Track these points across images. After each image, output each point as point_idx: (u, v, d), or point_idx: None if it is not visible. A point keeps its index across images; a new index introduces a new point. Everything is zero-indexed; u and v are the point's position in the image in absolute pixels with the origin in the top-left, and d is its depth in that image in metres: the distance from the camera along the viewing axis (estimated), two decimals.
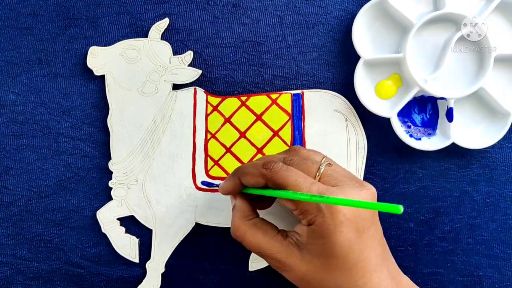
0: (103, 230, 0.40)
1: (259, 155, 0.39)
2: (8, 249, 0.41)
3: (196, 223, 0.40)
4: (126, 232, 0.40)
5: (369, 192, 0.30)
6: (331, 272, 0.29)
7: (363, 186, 0.30)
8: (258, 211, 0.35)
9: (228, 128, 0.40)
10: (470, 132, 0.40)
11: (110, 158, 0.40)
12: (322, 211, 0.28)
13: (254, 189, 0.32)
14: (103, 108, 0.41)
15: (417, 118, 0.40)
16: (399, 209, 0.22)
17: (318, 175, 0.30)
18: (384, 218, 0.40)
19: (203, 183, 0.40)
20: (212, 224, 0.40)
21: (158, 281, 0.40)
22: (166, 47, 0.40)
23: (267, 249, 0.31)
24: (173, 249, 0.40)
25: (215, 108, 0.40)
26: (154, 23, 0.40)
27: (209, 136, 0.40)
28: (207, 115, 0.40)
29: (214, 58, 0.41)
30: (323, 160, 0.32)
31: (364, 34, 0.39)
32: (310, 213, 0.29)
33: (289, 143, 0.39)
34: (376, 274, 0.29)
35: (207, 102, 0.40)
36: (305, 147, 0.39)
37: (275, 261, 0.31)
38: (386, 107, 0.39)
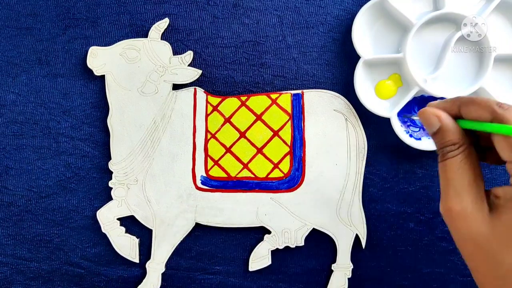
0: (103, 230, 0.40)
1: (259, 155, 0.39)
2: (8, 249, 0.41)
3: (196, 223, 0.40)
4: (126, 232, 0.40)
5: None
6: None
7: None
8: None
9: (228, 128, 0.40)
10: None
11: (110, 158, 0.40)
12: None
13: (469, 123, 0.27)
14: (103, 108, 0.41)
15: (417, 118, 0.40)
16: None
17: None
18: (384, 218, 0.40)
19: (403, 115, 0.37)
20: (212, 224, 0.40)
21: (158, 281, 0.40)
22: (166, 47, 0.40)
23: (459, 188, 0.26)
24: (173, 249, 0.40)
25: (215, 108, 0.40)
26: (154, 23, 0.40)
27: (209, 136, 0.40)
28: (207, 115, 0.40)
29: (214, 58, 0.41)
30: None
31: (364, 34, 0.39)
32: None
33: (289, 143, 0.39)
34: None
35: (207, 102, 0.40)
36: (305, 147, 0.39)
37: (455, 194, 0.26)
38: (386, 107, 0.39)
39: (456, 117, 0.27)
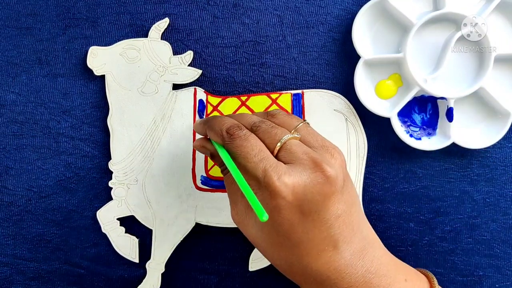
0: (103, 230, 0.40)
1: None
2: (8, 249, 0.41)
3: (196, 223, 0.40)
4: (126, 232, 0.40)
5: (320, 176, 0.27)
6: (275, 244, 0.29)
7: (318, 168, 0.27)
8: None
9: None
10: (470, 132, 0.40)
11: (110, 158, 0.40)
12: (262, 189, 0.27)
13: (217, 145, 0.31)
14: (103, 108, 0.41)
15: (417, 118, 0.40)
16: (263, 218, 0.25)
17: (278, 148, 0.29)
18: (384, 218, 0.40)
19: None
20: (212, 224, 0.40)
21: (158, 281, 0.40)
22: (166, 47, 0.40)
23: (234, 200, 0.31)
24: (173, 249, 0.40)
25: (215, 108, 0.40)
26: (154, 23, 0.40)
27: None
28: (207, 115, 0.40)
29: (214, 58, 0.41)
30: (293, 130, 0.30)
31: (364, 34, 0.39)
32: (253, 188, 0.28)
33: None
34: (324, 254, 0.28)
35: (207, 102, 0.40)
36: None
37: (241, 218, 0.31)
38: (386, 107, 0.39)
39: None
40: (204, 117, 0.40)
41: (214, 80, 0.41)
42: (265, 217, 0.24)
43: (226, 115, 0.32)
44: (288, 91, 0.40)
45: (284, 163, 0.28)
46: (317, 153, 0.29)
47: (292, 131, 0.30)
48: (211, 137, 0.31)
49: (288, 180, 0.27)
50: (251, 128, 0.30)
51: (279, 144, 0.29)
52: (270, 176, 0.27)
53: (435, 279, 0.31)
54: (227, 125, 0.29)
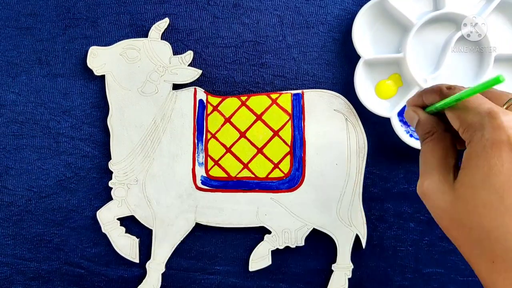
0: (103, 230, 0.40)
1: (260, 155, 0.39)
2: (8, 249, 0.41)
3: (196, 223, 0.40)
4: (126, 232, 0.40)
5: None
6: (478, 209, 0.23)
7: None
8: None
9: (228, 128, 0.40)
10: None
11: (110, 158, 0.40)
12: (484, 125, 0.24)
13: (432, 107, 0.30)
14: (103, 108, 0.41)
15: None
16: (500, 78, 0.22)
17: (507, 105, 0.26)
18: (384, 218, 0.40)
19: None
20: (212, 224, 0.40)
21: (158, 281, 0.40)
22: (166, 47, 0.40)
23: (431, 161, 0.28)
24: (173, 249, 0.40)
25: (215, 108, 0.40)
26: (154, 23, 0.40)
27: (209, 136, 0.40)
28: (207, 115, 0.40)
29: (214, 58, 0.41)
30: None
31: (364, 34, 0.39)
32: (472, 127, 0.25)
33: (289, 143, 0.39)
34: None
35: (207, 102, 0.40)
36: (305, 147, 0.39)
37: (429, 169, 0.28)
38: (386, 107, 0.39)
39: (427, 106, 0.30)
40: (205, 117, 0.40)
41: (214, 80, 0.41)
42: (501, 78, 0.21)
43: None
44: (288, 91, 0.40)
45: None
46: None
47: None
48: (429, 97, 0.29)
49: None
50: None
51: (509, 101, 0.26)
52: (496, 112, 0.24)
53: None
54: (445, 84, 0.29)
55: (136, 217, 0.40)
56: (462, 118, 0.26)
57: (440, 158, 0.28)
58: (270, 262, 0.40)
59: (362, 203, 0.40)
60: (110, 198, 0.40)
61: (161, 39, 0.40)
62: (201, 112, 0.40)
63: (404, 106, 0.39)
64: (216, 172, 0.40)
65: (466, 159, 0.25)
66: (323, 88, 0.40)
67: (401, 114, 0.39)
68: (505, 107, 0.26)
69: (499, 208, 0.23)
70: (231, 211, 0.40)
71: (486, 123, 0.24)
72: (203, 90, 0.40)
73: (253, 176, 0.40)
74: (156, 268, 0.40)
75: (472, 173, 0.24)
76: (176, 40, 0.40)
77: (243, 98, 0.40)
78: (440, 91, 0.28)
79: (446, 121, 0.29)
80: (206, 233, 0.41)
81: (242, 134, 0.40)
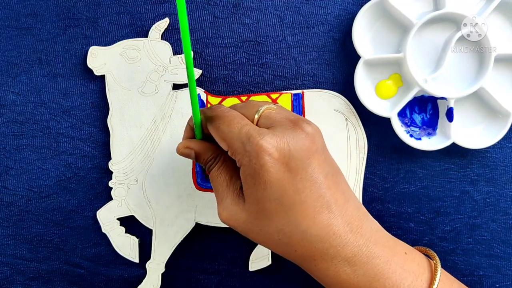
0: (103, 230, 0.40)
1: None
2: (8, 249, 0.41)
3: (196, 223, 0.40)
4: (126, 232, 0.40)
5: (301, 132, 0.28)
6: (268, 216, 0.28)
7: (297, 126, 0.28)
8: None
9: None
10: (470, 132, 0.40)
11: (110, 158, 0.40)
12: (248, 151, 0.27)
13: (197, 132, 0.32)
14: (103, 108, 0.41)
15: (417, 118, 0.40)
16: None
17: (257, 118, 0.30)
18: (384, 218, 0.40)
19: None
20: (212, 224, 0.40)
21: (158, 281, 0.40)
22: (166, 47, 0.40)
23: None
24: (173, 249, 0.40)
25: None
26: (154, 23, 0.40)
27: None
28: None
29: (214, 58, 0.41)
30: (268, 105, 0.31)
31: (364, 34, 0.39)
32: (238, 153, 0.28)
33: None
34: (321, 216, 0.28)
35: (207, 102, 0.40)
36: None
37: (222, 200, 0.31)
38: (386, 107, 0.39)
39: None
40: None
41: (214, 80, 0.41)
42: None
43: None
44: (288, 91, 0.40)
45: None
46: (294, 116, 0.30)
47: (268, 105, 0.31)
48: (190, 121, 0.32)
49: (271, 139, 0.27)
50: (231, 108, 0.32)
51: (258, 112, 0.30)
52: (254, 136, 0.27)
53: (436, 257, 0.31)
54: (209, 106, 0.32)
55: (136, 217, 0.40)
56: (228, 142, 0.29)
57: (227, 183, 0.30)
58: (270, 262, 0.40)
59: (362, 203, 0.40)
60: (110, 198, 0.40)
61: (161, 39, 0.40)
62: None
63: (404, 106, 0.39)
64: None
65: (244, 179, 0.28)
66: (323, 88, 0.40)
67: (401, 114, 0.39)
68: (256, 117, 0.30)
69: (281, 210, 0.28)
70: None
71: (249, 149, 0.27)
72: (203, 90, 0.40)
73: None
74: (156, 268, 0.40)
75: (253, 190, 0.28)
76: (176, 40, 0.40)
77: (243, 98, 0.40)
78: (203, 112, 0.31)
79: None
80: (206, 233, 0.41)
81: None
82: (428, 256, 0.32)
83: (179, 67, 0.40)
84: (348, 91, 0.40)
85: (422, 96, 0.39)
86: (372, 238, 0.29)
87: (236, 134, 0.28)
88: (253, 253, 0.40)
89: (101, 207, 0.40)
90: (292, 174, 0.27)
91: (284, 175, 0.27)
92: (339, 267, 0.28)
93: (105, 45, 0.40)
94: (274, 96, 0.40)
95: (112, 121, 0.40)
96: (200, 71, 0.40)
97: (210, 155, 0.32)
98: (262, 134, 0.27)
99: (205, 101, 0.40)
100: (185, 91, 0.40)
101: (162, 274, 0.40)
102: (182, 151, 0.32)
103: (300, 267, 0.30)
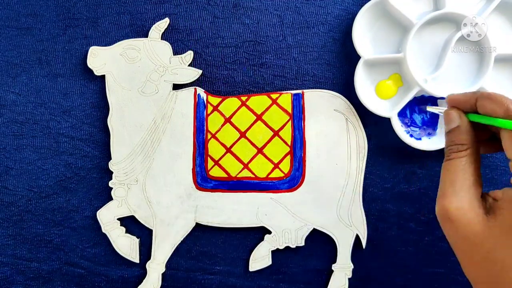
0: (103, 230, 0.40)
1: (260, 155, 0.39)
2: (8, 249, 0.41)
3: (196, 223, 0.40)
4: (126, 232, 0.40)
5: None
6: (510, 245, 0.24)
7: None
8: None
9: (228, 128, 0.40)
10: None
11: (110, 158, 0.40)
12: None
13: (481, 117, 0.28)
14: (103, 108, 0.41)
15: (417, 118, 0.40)
16: None
17: None
18: (384, 218, 0.40)
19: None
20: (212, 224, 0.40)
21: (158, 281, 0.40)
22: (166, 47, 0.40)
23: (457, 183, 0.27)
24: (174, 249, 0.40)
25: (215, 108, 0.40)
26: (154, 23, 0.40)
27: (209, 136, 0.40)
28: (207, 115, 0.40)
29: (214, 58, 0.41)
30: None
31: (364, 34, 0.39)
32: None
33: (289, 143, 0.39)
34: None
35: (207, 102, 0.40)
36: (305, 147, 0.39)
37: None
38: (386, 107, 0.39)
39: (470, 112, 0.28)
40: (205, 117, 0.40)
41: (214, 80, 0.41)
42: None
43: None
44: (288, 91, 0.40)
45: None
46: None
47: None
48: (485, 106, 0.27)
49: None
50: None
51: None
52: None
53: None
54: (509, 98, 0.26)
55: (136, 217, 0.40)
56: None
57: (471, 181, 0.27)
58: (270, 262, 0.40)
59: (362, 203, 0.40)
60: (110, 198, 0.40)
61: (161, 39, 0.40)
62: (201, 112, 0.40)
63: (404, 107, 0.39)
64: (216, 172, 0.40)
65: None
66: (323, 88, 0.40)
67: (401, 114, 0.39)
68: None
69: None
70: (231, 211, 0.40)
71: None
72: (203, 90, 0.40)
73: (253, 176, 0.40)
74: (156, 268, 0.40)
75: None
76: (176, 40, 0.40)
77: (243, 98, 0.40)
78: (506, 106, 0.26)
79: (477, 131, 0.28)
80: (206, 233, 0.41)
81: (242, 134, 0.40)
82: None
83: (179, 67, 0.40)
84: (348, 91, 0.40)
85: (422, 96, 0.39)
86: None
87: None
88: (253, 253, 0.40)
89: (101, 207, 0.40)
90: None
91: None
92: None
93: (105, 45, 0.40)
94: (274, 96, 0.40)
95: (112, 121, 0.40)
96: (200, 71, 0.40)
97: (465, 140, 0.28)
98: None
99: (205, 101, 0.40)
100: (185, 91, 0.40)
101: (162, 274, 0.40)
102: (453, 115, 0.29)
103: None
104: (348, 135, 0.40)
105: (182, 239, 0.40)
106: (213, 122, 0.40)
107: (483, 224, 0.25)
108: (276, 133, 0.40)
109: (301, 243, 0.40)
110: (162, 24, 0.40)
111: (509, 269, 0.24)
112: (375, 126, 0.40)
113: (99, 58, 0.40)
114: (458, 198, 0.26)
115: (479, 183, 0.27)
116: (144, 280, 0.40)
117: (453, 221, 0.26)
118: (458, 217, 0.26)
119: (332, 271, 0.40)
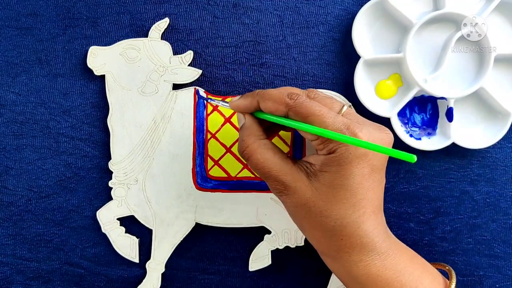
0: (103, 230, 0.40)
1: None
2: (8, 249, 0.41)
3: (196, 223, 0.40)
4: (126, 232, 0.40)
5: (389, 136, 0.30)
6: (336, 202, 0.29)
7: (382, 130, 0.30)
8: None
9: (228, 128, 0.40)
10: (470, 132, 0.40)
11: (110, 158, 0.40)
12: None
13: (269, 116, 0.31)
14: (103, 108, 0.41)
15: (417, 118, 0.40)
16: (413, 158, 0.24)
17: (341, 113, 0.30)
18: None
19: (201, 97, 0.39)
20: (212, 224, 0.40)
21: (158, 281, 0.40)
22: (166, 46, 0.40)
23: (274, 170, 0.30)
24: (173, 249, 0.40)
25: (215, 108, 0.40)
26: (154, 23, 0.40)
27: (209, 136, 0.40)
28: (207, 115, 0.40)
29: (214, 58, 0.41)
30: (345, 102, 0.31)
31: (364, 34, 0.39)
32: (334, 142, 0.29)
33: (289, 142, 0.39)
34: (374, 217, 0.30)
35: (207, 102, 0.40)
36: (305, 147, 0.39)
37: (279, 184, 0.30)
38: (386, 107, 0.39)
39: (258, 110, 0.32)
40: (205, 116, 0.40)
41: (214, 80, 0.41)
42: (414, 157, 0.24)
43: (270, 89, 0.32)
44: None
45: None
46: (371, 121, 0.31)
47: (344, 105, 0.31)
48: (268, 107, 0.31)
49: (366, 133, 0.28)
50: (307, 96, 0.31)
51: (341, 111, 0.30)
52: (354, 127, 0.28)
53: (452, 272, 0.33)
54: (285, 92, 0.30)
55: (136, 217, 0.40)
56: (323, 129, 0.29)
57: (280, 156, 0.31)
58: (270, 262, 0.40)
59: None
60: (110, 198, 0.40)
61: (161, 39, 0.40)
62: (201, 112, 0.40)
63: (404, 107, 0.39)
64: (216, 172, 0.40)
65: (326, 164, 0.29)
66: (323, 88, 0.40)
67: (401, 114, 0.39)
68: (342, 112, 0.30)
69: (351, 201, 0.29)
70: (231, 211, 0.40)
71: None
72: (203, 90, 0.40)
73: (253, 176, 0.40)
74: (156, 268, 0.40)
75: (334, 177, 0.29)
76: (176, 40, 0.40)
77: None
78: (284, 102, 0.30)
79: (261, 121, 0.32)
80: (206, 233, 0.41)
81: None
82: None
83: (179, 67, 0.40)
84: (348, 91, 0.40)
85: (422, 96, 0.39)
86: (397, 240, 0.32)
87: (333, 123, 0.28)
88: (253, 253, 0.40)
89: (101, 207, 0.40)
90: (372, 172, 0.29)
91: (366, 171, 0.29)
92: (370, 260, 0.30)
93: (105, 45, 0.40)
94: None
95: (112, 121, 0.40)
96: (200, 71, 0.40)
97: (252, 133, 0.32)
98: (359, 127, 0.28)
99: (205, 102, 0.40)
100: (185, 91, 0.40)
101: (162, 274, 0.40)
102: (239, 114, 0.33)
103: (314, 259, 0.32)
104: None
105: (182, 239, 0.40)
106: (213, 122, 0.40)
107: (310, 189, 0.29)
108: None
109: (301, 243, 0.40)
110: (162, 24, 0.40)
111: (341, 223, 0.29)
112: None
113: (99, 58, 0.40)
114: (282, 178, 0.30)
115: (287, 157, 0.31)
116: (144, 280, 0.40)
117: (290, 195, 0.30)
118: (291, 191, 0.30)
119: None
